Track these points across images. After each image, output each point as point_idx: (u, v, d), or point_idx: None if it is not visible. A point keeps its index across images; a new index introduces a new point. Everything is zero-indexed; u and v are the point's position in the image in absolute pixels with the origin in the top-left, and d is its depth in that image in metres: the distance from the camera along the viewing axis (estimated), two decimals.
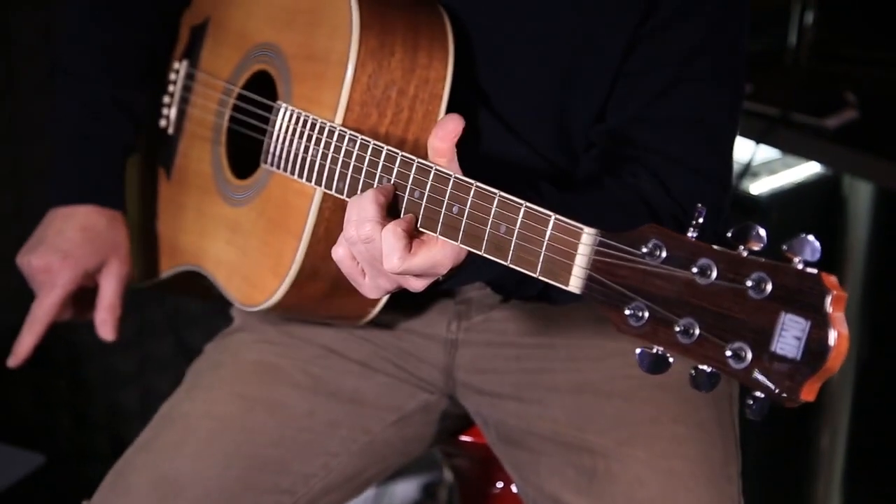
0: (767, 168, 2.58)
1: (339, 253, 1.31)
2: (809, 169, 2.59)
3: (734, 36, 1.51)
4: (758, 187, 2.54)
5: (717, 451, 1.57)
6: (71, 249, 1.66)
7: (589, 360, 1.61)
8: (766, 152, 2.54)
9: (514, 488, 1.89)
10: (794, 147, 2.41)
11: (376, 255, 1.26)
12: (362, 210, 1.27)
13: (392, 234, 1.24)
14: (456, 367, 1.66)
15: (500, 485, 1.92)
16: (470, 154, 1.51)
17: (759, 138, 2.39)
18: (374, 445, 1.66)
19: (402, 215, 1.29)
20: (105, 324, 1.69)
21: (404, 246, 1.24)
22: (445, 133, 1.28)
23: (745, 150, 2.51)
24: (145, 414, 1.69)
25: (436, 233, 1.27)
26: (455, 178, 1.25)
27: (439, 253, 1.27)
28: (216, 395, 1.62)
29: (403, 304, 1.58)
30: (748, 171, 2.51)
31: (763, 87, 2.44)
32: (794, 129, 2.35)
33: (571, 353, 1.61)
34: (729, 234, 1.01)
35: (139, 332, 2.62)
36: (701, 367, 1.02)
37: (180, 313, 2.67)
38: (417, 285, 1.30)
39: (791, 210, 2.58)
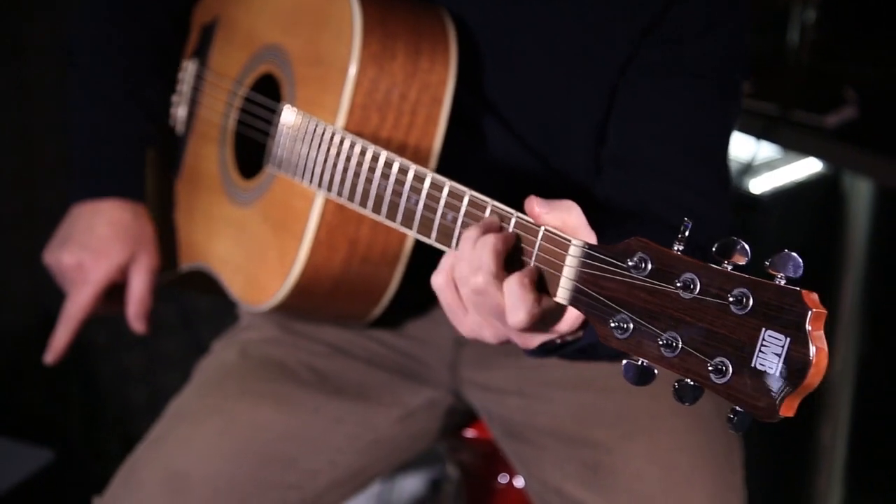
0: (768, 166, 2.58)
1: (438, 282, 1.22)
2: (809, 167, 2.60)
3: (736, 54, 1.51)
4: (758, 185, 2.55)
5: (719, 443, 1.58)
6: (101, 246, 1.66)
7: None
8: (766, 150, 2.55)
9: (517, 482, 1.91)
10: (795, 144, 2.41)
11: (492, 306, 1.18)
12: (476, 259, 1.17)
13: (518, 286, 1.14)
14: (461, 363, 1.67)
15: (504, 479, 1.93)
16: (471, 156, 1.52)
17: (760, 136, 2.40)
18: (380, 441, 1.67)
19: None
20: (137, 317, 1.69)
21: (533, 300, 1.15)
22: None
23: (746, 147, 2.52)
24: (154, 411, 1.71)
25: (430, 239, 1.26)
26: (450, 185, 1.26)
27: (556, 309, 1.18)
28: (224, 391, 1.64)
29: (408, 304, 1.60)
30: (749, 169, 2.52)
31: (764, 85, 2.45)
32: (795, 127, 2.35)
33: None
34: (714, 248, 1.00)
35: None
36: (685, 380, 1.02)
37: (189, 311, 2.68)
38: (532, 343, 1.22)
39: (791, 208, 2.59)
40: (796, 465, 2.67)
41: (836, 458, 2.62)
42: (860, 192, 2.52)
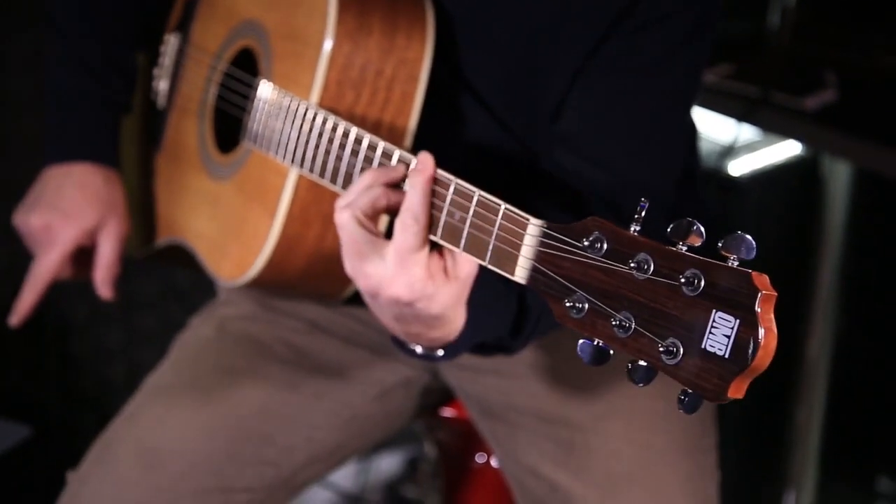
0: (747, 148, 2.59)
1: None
2: (788, 149, 2.60)
3: (700, 50, 1.49)
4: (737, 167, 2.56)
5: (693, 425, 1.59)
6: (70, 208, 1.65)
7: (567, 337, 1.63)
8: (745, 133, 2.55)
9: (494, 462, 1.92)
10: (774, 127, 2.42)
11: (347, 244, 1.26)
12: (350, 194, 1.26)
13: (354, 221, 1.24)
14: None
15: (481, 458, 1.94)
16: (447, 135, 1.52)
17: (740, 118, 2.40)
18: (357, 419, 1.67)
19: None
20: (105, 282, 1.68)
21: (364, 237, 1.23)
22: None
23: (726, 130, 2.52)
24: (132, 387, 1.71)
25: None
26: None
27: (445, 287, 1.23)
28: (201, 367, 1.64)
29: None
30: (729, 151, 2.53)
31: (744, 68, 2.45)
32: (775, 110, 2.35)
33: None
34: (668, 230, 1.00)
35: (126, 305, 2.63)
36: (637, 361, 1.02)
37: (168, 287, 2.68)
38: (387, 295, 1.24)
39: (770, 190, 2.60)
40: (771, 445, 2.68)
41: (810, 439, 2.63)
42: (839, 175, 2.53)
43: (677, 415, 1.56)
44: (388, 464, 2.86)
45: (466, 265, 1.23)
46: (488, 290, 1.29)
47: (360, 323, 1.68)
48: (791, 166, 2.60)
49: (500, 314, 1.37)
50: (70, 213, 1.65)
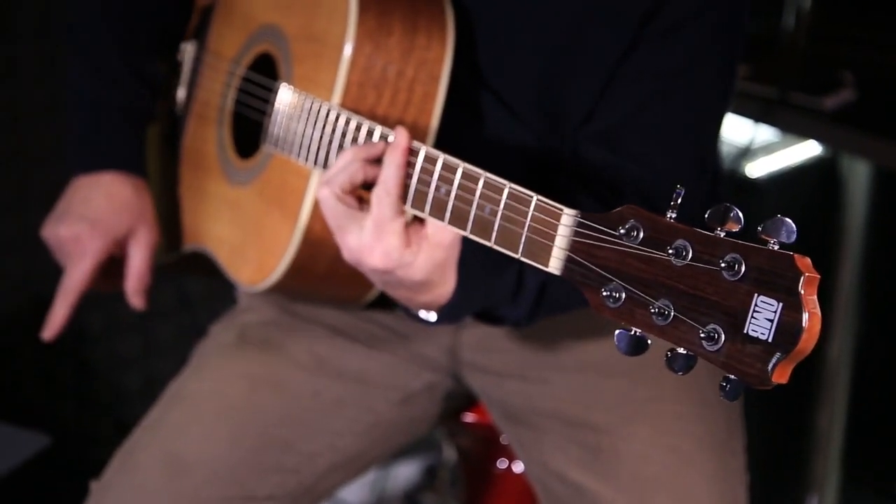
0: (765, 149, 2.58)
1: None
2: (807, 150, 2.60)
3: (732, 46, 1.50)
4: (756, 169, 2.55)
5: (720, 427, 1.58)
6: (99, 218, 1.63)
7: (592, 340, 1.62)
8: (763, 134, 2.55)
9: (516, 467, 1.90)
10: (793, 127, 2.41)
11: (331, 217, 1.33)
12: (331, 172, 1.33)
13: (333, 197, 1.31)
14: (461, 346, 1.67)
15: (503, 464, 1.93)
16: (468, 134, 1.52)
17: (758, 119, 2.39)
18: (379, 425, 1.67)
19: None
20: (136, 292, 1.66)
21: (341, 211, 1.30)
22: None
23: (743, 131, 2.52)
24: (148, 396, 1.70)
25: (424, 212, 1.27)
26: (444, 158, 1.25)
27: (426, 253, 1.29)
28: (222, 374, 1.63)
29: None
30: (747, 152, 2.52)
31: (761, 68, 2.44)
32: (792, 110, 2.35)
33: (575, 333, 1.62)
34: (706, 216, 0.99)
35: (143, 314, 2.62)
36: (677, 349, 1.00)
37: (185, 296, 2.68)
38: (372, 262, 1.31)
39: (789, 191, 2.59)
40: (793, 450, 2.67)
41: (833, 443, 2.62)
42: (858, 175, 2.52)
43: (703, 417, 1.56)
44: (406, 472, 2.85)
45: (450, 231, 1.26)
46: (486, 253, 1.29)
47: (383, 328, 1.67)
48: (809, 167, 2.60)
49: (498, 278, 1.39)
50: (99, 222, 1.63)
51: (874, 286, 2.55)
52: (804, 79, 2.42)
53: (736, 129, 2.52)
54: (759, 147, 2.56)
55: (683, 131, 1.49)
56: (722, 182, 1.72)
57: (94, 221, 1.63)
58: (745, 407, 1.65)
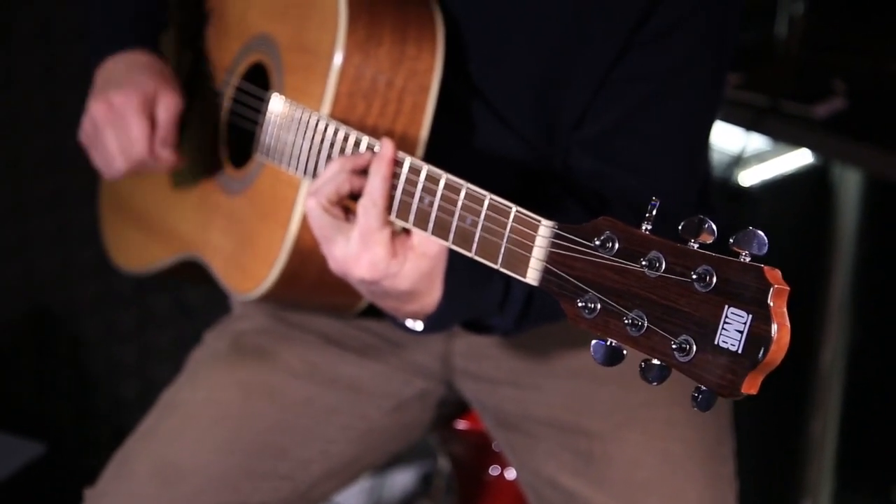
0: (757, 158, 2.59)
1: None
2: (799, 158, 2.60)
3: (722, 52, 1.50)
4: (747, 177, 2.56)
5: (710, 433, 1.59)
6: (126, 81, 1.59)
7: (584, 347, 1.62)
8: (755, 142, 2.55)
9: (508, 474, 1.91)
10: (784, 136, 2.42)
11: (317, 228, 1.34)
12: (318, 183, 1.34)
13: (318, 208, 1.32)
14: (453, 354, 1.67)
15: (495, 471, 1.94)
16: (459, 143, 1.52)
17: (749, 127, 2.40)
18: (372, 432, 1.67)
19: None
20: (164, 142, 1.59)
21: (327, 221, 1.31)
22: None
23: (735, 139, 2.53)
24: (145, 403, 1.71)
25: (409, 223, 1.28)
26: (428, 168, 1.26)
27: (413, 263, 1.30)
28: (216, 382, 1.64)
29: None
30: (738, 160, 2.53)
31: (753, 77, 2.45)
32: (784, 118, 2.35)
33: (567, 340, 1.63)
34: (680, 228, 1.00)
35: (140, 322, 2.63)
36: (651, 359, 1.01)
37: (181, 304, 2.68)
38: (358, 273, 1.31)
39: (780, 199, 2.59)
40: (787, 457, 2.67)
41: (826, 450, 2.63)
42: (849, 183, 2.53)
43: (694, 423, 1.57)
44: (402, 480, 2.85)
45: (435, 242, 1.27)
46: (473, 264, 1.30)
47: (375, 336, 1.68)
48: (801, 175, 2.60)
49: (485, 288, 1.40)
50: (126, 84, 1.58)
51: (866, 293, 2.55)
52: (796, 87, 2.43)
53: (728, 138, 2.53)
54: (751, 155, 2.57)
55: (673, 136, 1.50)
56: (712, 189, 1.72)
57: (120, 84, 1.59)
58: (739, 414, 1.66)
